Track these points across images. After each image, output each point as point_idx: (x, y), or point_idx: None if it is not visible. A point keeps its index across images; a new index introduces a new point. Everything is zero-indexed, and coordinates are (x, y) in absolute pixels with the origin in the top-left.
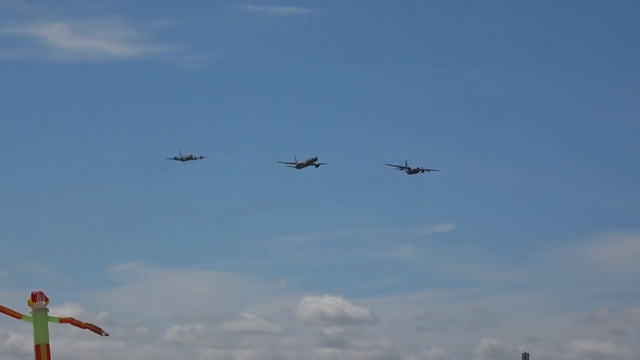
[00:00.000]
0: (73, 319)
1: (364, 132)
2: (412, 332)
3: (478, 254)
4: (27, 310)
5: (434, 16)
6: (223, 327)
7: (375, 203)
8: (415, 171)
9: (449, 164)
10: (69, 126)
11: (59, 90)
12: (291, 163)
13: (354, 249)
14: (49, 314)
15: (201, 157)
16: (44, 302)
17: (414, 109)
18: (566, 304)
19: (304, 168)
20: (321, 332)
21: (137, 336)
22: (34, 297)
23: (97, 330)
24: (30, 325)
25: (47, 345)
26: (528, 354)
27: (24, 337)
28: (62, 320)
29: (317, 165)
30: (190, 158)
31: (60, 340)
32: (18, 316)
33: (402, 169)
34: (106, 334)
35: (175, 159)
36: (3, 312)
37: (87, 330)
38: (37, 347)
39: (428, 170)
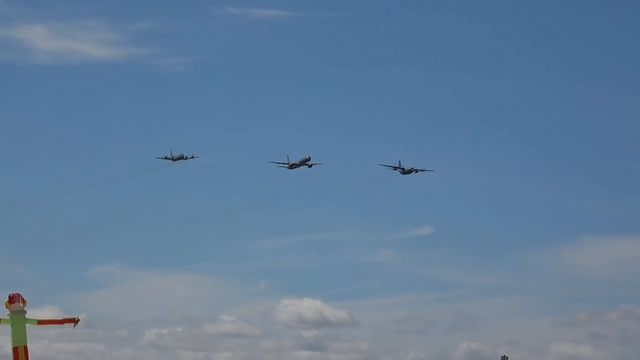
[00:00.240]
0: (51, 319)
1: (354, 133)
2: (392, 335)
3: (458, 257)
4: (4, 313)
5: (423, 19)
6: (202, 330)
7: (359, 205)
8: (409, 171)
9: (432, 166)
10: (49, 128)
11: (39, 92)
12: (283, 163)
13: (334, 252)
14: (27, 316)
15: (192, 157)
16: (21, 304)
17: (400, 110)
18: (546, 307)
19: (296, 168)
20: (300, 335)
21: (117, 339)
22: (11, 299)
23: (71, 320)
24: (8, 328)
25: (25, 348)
26: (507, 357)
27: (2, 339)
28: (41, 322)
29: (310, 166)
30: (181, 158)
31: (39, 342)
32: None
33: (395, 169)
34: (78, 319)
35: (166, 158)
36: None
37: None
38: (15, 350)
39: (422, 171)
